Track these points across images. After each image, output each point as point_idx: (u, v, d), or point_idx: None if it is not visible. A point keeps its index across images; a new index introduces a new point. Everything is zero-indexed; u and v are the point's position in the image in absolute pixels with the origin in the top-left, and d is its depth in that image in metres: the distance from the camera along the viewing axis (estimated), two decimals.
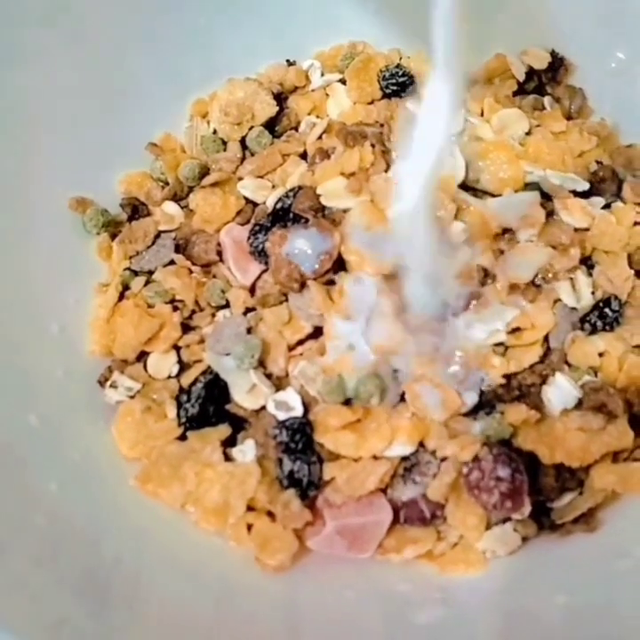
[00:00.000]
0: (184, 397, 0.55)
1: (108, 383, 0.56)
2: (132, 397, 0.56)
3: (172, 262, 0.60)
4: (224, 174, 0.63)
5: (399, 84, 0.65)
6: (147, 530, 0.52)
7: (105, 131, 0.63)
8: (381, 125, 0.63)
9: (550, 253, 0.57)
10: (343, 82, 0.68)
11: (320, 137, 0.64)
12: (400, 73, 0.66)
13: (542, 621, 0.47)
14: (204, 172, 0.63)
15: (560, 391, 0.54)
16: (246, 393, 0.54)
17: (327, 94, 0.67)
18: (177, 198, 0.64)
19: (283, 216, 0.58)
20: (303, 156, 0.64)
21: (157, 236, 0.62)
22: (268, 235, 0.58)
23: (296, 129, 0.66)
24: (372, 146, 0.60)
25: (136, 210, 0.63)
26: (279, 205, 0.59)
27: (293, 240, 0.57)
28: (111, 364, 0.57)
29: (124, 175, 0.65)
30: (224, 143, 0.65)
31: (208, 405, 0.54)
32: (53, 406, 0.54)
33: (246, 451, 0.53)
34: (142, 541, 0.51)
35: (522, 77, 0.67)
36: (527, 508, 0.51)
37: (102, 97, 0.64)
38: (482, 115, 0.65)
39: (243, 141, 0.65)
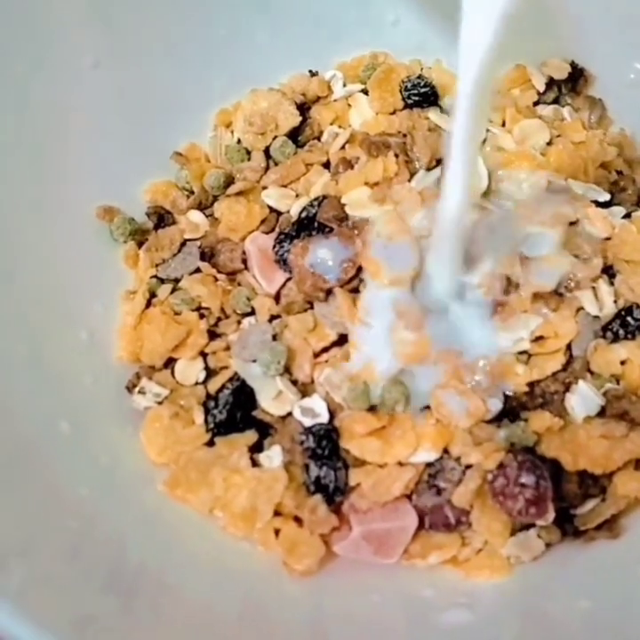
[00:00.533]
0: (211, 404, 0.55)
1: (137, 389, 0.57)
2: (159, 403, 0.56)
3: (197, 270, 0.61)
4: (248, 184, 0.63)
5: (421, 95, 0.66)
6: (174, 534, 0.53)
7: (131, 141, 0.64)
8: (404, 136, 0.64)
9: (573, 262, 0.57)
10: (365, 92, 0.68)
11: (343, 147, 0.64)
12: (422, 83, 0.66)
13: (565, 626, 0.48)
14: (229, 181, 0.64)
15: (583, 399, 0.55)
16: (272, 399, 0.55)
17: (349, 105, 0.68)
18: (202, 207, 0.64)
19: (307, 225, 0.59)
20: (326, 165, 0.65)
21: (183, 244, 0.62)
22: (292, 243, 0.59)
23: (319, 139, 0.67)
24: (396, 156, 0.61)
25: (162, 218, 0.63)
26: (304, 214, 0.60)
27: (315, 250, 0.58)
28: (139, 370, 0.58)
29: (150, 184, 0.65)
30: (248, 153, 0.66)
31: (235, 411, 0.55)
32: (83, 412, 0.55)
33: (273, 456, 0.54)
34: (169, 545, 0.52)
35: (542, 88, 0.68)
36: (551, 515, 0.51)
37: (128, 108, 0.65)
38: (503, 125, 0.66)
39: (266, 151, 0.66)
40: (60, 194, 0.60)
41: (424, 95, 0.66)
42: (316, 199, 0.60)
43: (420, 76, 0.67)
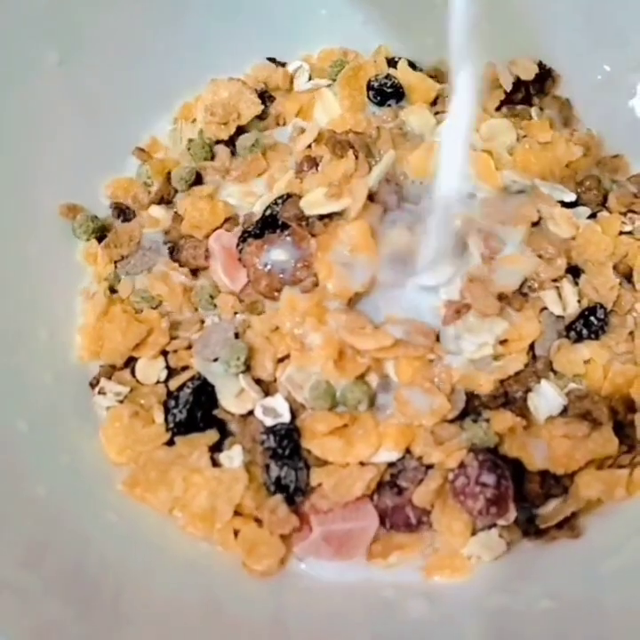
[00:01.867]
0: (172, 403, 0.55)
1: (97, 390, 0.56)
2: (120, 402, 0.56)
3: (157, 266, 0.60)
4: (214, 187, 0.63)
5: (387, 94, 0.66)
6: (133, 534, 0.52)
7: (92, 138, 0.64)
8: (370, 136, 0.64)
9: (537, 262, 0.57)
10: (330, 86, 0.68)
11: (309, 146, 0.64)
12: (388, 83, 0.66)
13: (528, 626, 0.48)
14: (195, 177, 0.64)
15: (545, 398, 0.55)
16: (234, 397, 0.55)
17: (314, 98, 0.68)
18: (163, 202, 0.64)
19: (271, 223, 0.58)
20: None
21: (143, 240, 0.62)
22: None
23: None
24: (356, 155, 0.61)
25: (122, 214, 0.63)
26: (268, 213, 0.59)
27: (270, 250, 0.57)
28: (100, 369, 0.57)
29: (111, 180, 0.65)
30: (211, 148, 0.65)
31: (196, 411, 0.54)
32: (42, 411, 0.54)
33: (234, 456, 0.53)
34: (129, 546, 0.51)
35: (509, 87, 0.68)
36: (512, 514, 0.51)
37: (89, 105, 0.64)
38: None
39: (232, 141, 0.65)
40: (22, 192, 0.60)
41: (390, 95, 0.66)
42: (279, 197, 0.59)
43: (387, 76, 0.67)
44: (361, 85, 0.67)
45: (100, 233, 0.62)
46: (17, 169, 0.60)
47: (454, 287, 0.56)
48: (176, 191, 0.64)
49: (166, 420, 0.54)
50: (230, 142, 0.65)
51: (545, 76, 0.69)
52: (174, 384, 0.56)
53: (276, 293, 0.57)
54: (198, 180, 0.64)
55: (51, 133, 0.62)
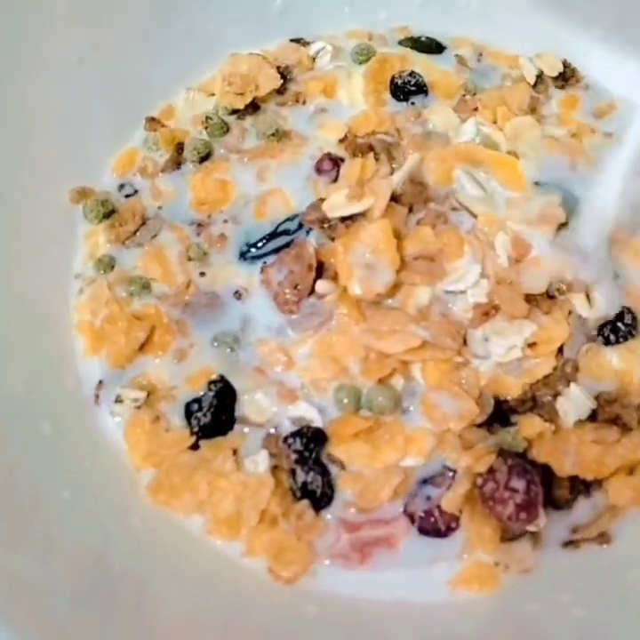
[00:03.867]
0: (195, 406, 0.54)
1: (114, 399, 0.55)
2: (139, 408, 0.55)
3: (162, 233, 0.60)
4: (224, 166, 0.63)
5: (411, 93, 0.66)
6: (156, 540, 0.51)
7: (105, 113, 0.63)
8: (392, 136, 0.63)
9: (564, 263, 0.56)
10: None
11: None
12: (412, 82, 0.66)
13: (559, 636, 0.47)
14: (208, 151, 0.63)
15: (575, 403, 0.54)
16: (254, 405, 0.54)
17: (336, 78, 0.67)
18: (169, 171, 0.63)
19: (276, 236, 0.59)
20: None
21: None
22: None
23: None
24: (376, 157, 0.60)
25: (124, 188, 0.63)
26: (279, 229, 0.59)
27: (278, 270, 0.57)
28: (103, 378, 0.56)
29: (115, 159, 0.64)
30: (226, 124, 0.65)
31: (220, 414, 0.54)
32: (65, 415, 0.53)
33: (259, 461, 0.53)
34: (152, 552, 0.51)
35: (532, 80, 0.67)
36: (542, 520, 0.50)
37: (100, 82, 0.63)
38: (494, 122, 0.65)
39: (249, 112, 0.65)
40: (27, 178, 0.59)
41: (413, 92, 0.66)
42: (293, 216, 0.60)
43: (411, 73, 0.66)
44: (386, 78, 0.66)
45: (111, 217, 0.61)
46: (22, 156, 0.58)
47: (481, 289, 0.55)
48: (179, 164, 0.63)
49: (190, 423, 0.54)
50: (246, 113, 0.65)
51: (569, 74, 0.68)
52: (192, 384, 0.55)
53: (293, 307, 0.56)
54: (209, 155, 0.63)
55: (56, 114, 0.60)
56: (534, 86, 0.68)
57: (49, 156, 0.60)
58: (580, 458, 0.52)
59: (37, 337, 0.55)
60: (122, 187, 0.62)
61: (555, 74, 0.68)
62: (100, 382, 0.56)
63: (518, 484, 0.50)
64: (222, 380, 0.55)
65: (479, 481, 0.51)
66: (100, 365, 0.56)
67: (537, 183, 0.60)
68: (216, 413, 0.54)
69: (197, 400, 0.54)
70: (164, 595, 0.48)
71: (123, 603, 0.47)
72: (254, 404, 0.54)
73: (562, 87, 0.69)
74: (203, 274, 0.59)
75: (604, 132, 0.65)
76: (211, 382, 0.55)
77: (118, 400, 0.55)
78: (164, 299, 0.58)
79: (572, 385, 0.54)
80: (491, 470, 0.51)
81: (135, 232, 0.60)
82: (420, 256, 0.56)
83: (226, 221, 0.60)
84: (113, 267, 0.59)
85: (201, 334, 0.57)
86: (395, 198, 0.58)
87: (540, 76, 0.68)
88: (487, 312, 0.54)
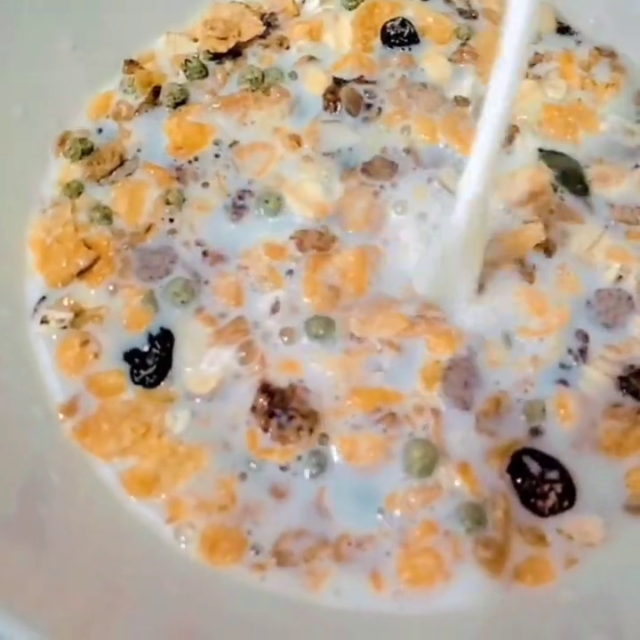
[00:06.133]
0: (137, 359, 0.49)
1: (40, 319, 0.51)
2: (64, 328, 0.51)
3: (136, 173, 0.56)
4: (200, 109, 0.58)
5: (402, 42, 0.61)
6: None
7: (83, 59, 0.59)
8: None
9: None
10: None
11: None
12: (405, 33, 0.61)
13: None
14: (185, 96, 0.60)
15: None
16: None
17: (323, 23, 0.62)
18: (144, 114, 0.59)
19: None
20: None
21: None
22: None
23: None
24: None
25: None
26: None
27: None
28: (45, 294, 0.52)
29: (90, 102, 0.60)
30: (205, 68, 0.61)
31: (163, 370, 0.49)
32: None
33: (179, 417, 0.48)
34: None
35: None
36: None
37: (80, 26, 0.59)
38: None
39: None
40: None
41: (405, 42, 0.61)
42: None
43: (403, 22, 0.61)
44: (375, 24, 0.61)
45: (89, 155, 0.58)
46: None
47: None
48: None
49: (132, 373, 0.49)
50: (227, 59, 0.61)
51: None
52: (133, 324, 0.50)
53: None
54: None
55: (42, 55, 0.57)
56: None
57: (28, 96, 0.56)
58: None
59: None
60: (100, 131, 0.59)
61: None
62: (43, 298, 0.52)
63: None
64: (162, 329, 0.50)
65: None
66: (42, 283, 0.53)
67: (540, 150, 0.56)
68: (158, 370, 0.49)
69: (141, 354, 0.49)
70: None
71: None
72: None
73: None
74: (172, 220, 0.54)
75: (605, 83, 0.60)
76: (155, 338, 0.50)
77: (44, 321, 0.51)
78: (120, 234, 0.54)
79: None
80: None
81: (111, 171, 0.57)
82: None
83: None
84: (80, 193, 0.56)
85: (139, 279, 0.52)
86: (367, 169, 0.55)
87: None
88: None
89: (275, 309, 0.50)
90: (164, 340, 0.49)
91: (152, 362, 0.48)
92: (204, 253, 0.52)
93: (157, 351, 0.49)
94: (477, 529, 0.44)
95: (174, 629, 0.40)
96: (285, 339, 0.49)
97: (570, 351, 0.49)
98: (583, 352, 0.49)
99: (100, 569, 0.41)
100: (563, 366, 0.49)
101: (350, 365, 0.48)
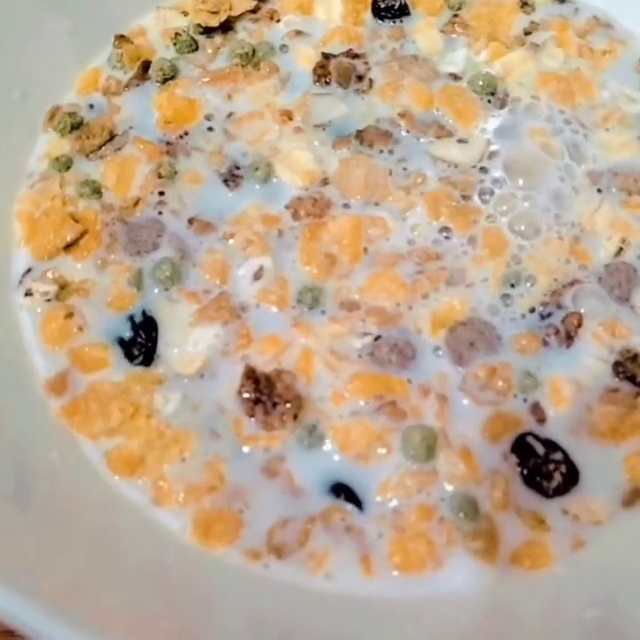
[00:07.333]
0: (127, 341, 0.49)
1: (24, 292, 0.51)
2: (48, 301, 0.50)
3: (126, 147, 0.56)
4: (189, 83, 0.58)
5: (394, 16, 0.60)
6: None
7: (74, 34, 0.59)
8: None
9: None
10: None
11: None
12: (396, 5, 0.60)
13: None
14: (174, 73, 0.59)
15: None
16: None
17: None
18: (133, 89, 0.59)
19: None
20: None
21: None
22: None
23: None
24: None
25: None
26: None
27: None
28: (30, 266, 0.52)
29: (80, 78, 0.59)
30: (196, 43, 0.60)
31: (152, 353, 0.48)
32: None
33: (170, 399, 0.47)
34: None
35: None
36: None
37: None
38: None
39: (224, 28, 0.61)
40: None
41: (397, 14, 0.60)
42: None
43: None
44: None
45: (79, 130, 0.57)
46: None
47: None
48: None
49: (128, 355, 0.48)
50: (218, 34, 0.61)
51: None
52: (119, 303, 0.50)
53: None
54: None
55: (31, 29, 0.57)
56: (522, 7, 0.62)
57: (16, 71, 0.56)
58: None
59: None
60: (92, 106, 0.58)
61: None
62: (29, 271, 0.52)
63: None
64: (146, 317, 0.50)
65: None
66: (29, 256, 0.53)
67: None
68: (148, 352, 0.48)
69: (126, 343, 0.49)
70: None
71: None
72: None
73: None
74: (162, 193, 0.54)
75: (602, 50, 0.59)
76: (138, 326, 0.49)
77: (28, 293, 0.51)
78: (108, 209, 0.54)
79: None
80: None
81: (100, 146, 0.56)
82: None
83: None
84: (69, 168, 0.56)
85: (126, 254, 0.52)
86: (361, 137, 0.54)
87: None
88: None
89: (258, 276, 0.49)
90: (148, 329, 0.48)
91: (138, 351, 0.48)
92: (190, 221, 0.51)
93: (143, 340, 0.48)
94: (468, 522, 0.43)
95: (160, 597, 0.40)
96: (273, 309, 0.48)
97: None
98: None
99: (88, 542, 0.41)
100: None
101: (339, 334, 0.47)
